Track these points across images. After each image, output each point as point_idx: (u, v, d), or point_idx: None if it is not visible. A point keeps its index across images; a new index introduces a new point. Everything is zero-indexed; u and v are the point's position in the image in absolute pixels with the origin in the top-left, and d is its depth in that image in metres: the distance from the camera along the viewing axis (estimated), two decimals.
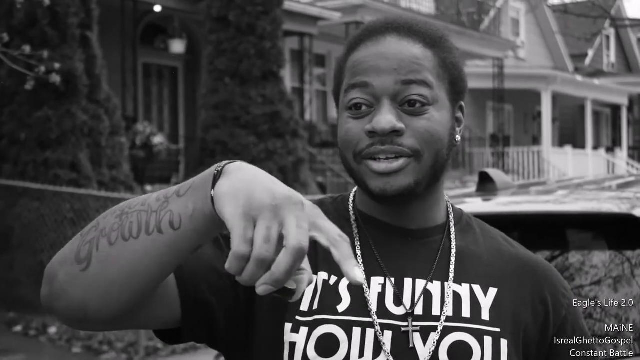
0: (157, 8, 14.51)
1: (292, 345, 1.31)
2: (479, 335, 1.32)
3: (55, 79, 5.94)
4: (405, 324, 1.32)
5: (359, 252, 1.37)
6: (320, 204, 1.44)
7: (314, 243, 1.31)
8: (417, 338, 1.32)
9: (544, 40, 27.92)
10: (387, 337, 1.31)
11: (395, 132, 1.30)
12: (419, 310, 1.33)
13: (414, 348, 1.31)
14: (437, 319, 1.33)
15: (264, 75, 12.88)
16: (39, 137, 9.52)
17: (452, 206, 1.46)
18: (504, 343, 1.33)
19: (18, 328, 9.01)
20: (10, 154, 9.69)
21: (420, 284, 1.35)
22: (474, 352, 1.31)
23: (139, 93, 14.89)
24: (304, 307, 1.33)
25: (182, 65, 16.39)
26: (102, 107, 10.13)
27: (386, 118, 1.30)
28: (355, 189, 1.46)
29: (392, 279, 1.35)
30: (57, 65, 6.16)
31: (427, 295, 1.35)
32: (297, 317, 1.32)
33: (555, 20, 26.87)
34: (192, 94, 16.17)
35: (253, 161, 11.58)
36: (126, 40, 13.68)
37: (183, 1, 14.29)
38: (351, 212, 1.43)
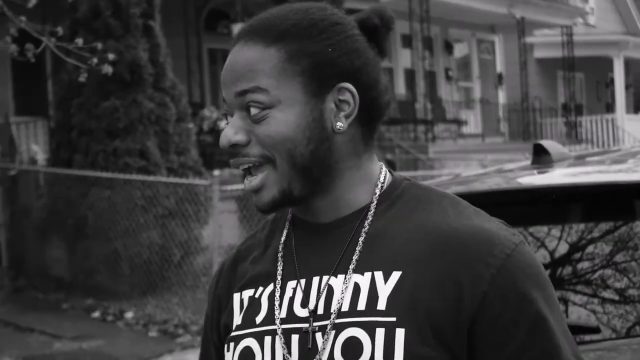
0: None
1: None
2: (370, 328, 1.24)
3: (108, 69, 6.02)
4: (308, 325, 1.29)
5: (280, 257, 1.37)
6: (282, 212, 1.45)
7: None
8: (319, 338, 1.27)
9: (614, 5, 27.22)
10: (294, 341, 1.29)
11: (236, 146, 1.29)
12: (320, 309, 1.29)
13: (314, 349, 1.27)
14: (336, 316, 1.27)
15: None
16: (107, 127, 9.70)
17: (392, 179, 1.37)
18: (400, 332, 1.23)
19: (96, 314, 9.24)
20: (80, 144, 9.89)
21: (327, 280, 1.30)
22: (364, 347, 1.24)
23: (205, 79, 15.04)
24: (233, 326, 1.37)
25: None
26: (168, 95, 10.25)
27: (225, 133, 1.30)
28: None
29: (303, 281, 1.32)
30: (111, 56, 6.24)
31: (329, 291, 1.29)
32: (228, 336, 1.37)
33: None
34: None
35: None
36: (189, 27, 13.80)
37: None
38: (289, 215, 1.41)
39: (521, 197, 2.64)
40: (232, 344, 1.35)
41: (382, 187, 1.35)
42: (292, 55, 1.28)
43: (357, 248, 1.30)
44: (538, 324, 1.24)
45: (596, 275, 2.40)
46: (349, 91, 1.30)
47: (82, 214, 9.65)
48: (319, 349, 1.27)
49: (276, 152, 1.28)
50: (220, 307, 1.42)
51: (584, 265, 2.45)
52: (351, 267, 1.29)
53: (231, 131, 1.29)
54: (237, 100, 1.29)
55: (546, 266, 2.46)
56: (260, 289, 1.36)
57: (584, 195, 2.58)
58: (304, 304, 1.30)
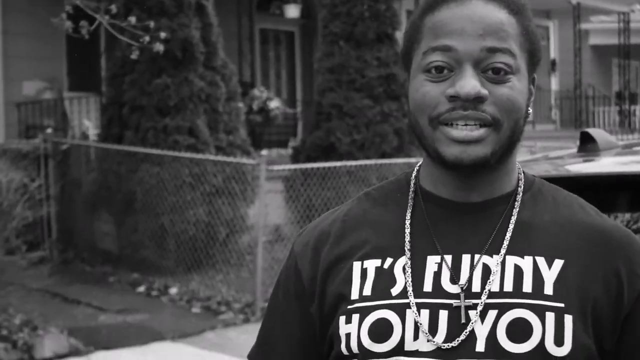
0: None
1: (347, 336, 1.30)
2: (540, 311, 1.25)
3: (159, 47, 6.07)
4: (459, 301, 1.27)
5: (408, 230, 1.34)
6: (379, 188, 1.43)
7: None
8: (473, 315, 1.26)
9: None
10: (442, 317, 1.27)
11: (479, 99, 1.26)
12: (476, 287, 1.28)
13: (468, 325, 1.25)
14: (496, 295, 1.27)
15: (378, 37, 12.80)
16: (158, 104, 9.78)
17: (524, 173, 1.40)
18: (568, 319, 1.25)
19: (141, 288, 9.36)
20: (131, 121, 10.00)
21: (479, 259, 1.29)
22: (534, 329, 1.25)
23: (256, 59, 15.09)
24: (354, 295, 1.32)
25: (298, 29, 16.49)
26: (219, 74, 10.30)
27: (471, 83, 1.25)
28: (418, 165, 1.41)
29: (449, 257, 1.30)
30: (162, 35, 6.28)
31: (485, 270, 1.29)
32: (348, 307, 1.31)
33: None
34: (309, 58, 16.25)
35: (369, 124, 11.59)
36: (242, 8, 13.85)
37: None
38: (411, 188, 1.38)
39: (567, 185, 2.61)
40: (356, 315, 1.30)
41: (522, 178, 1.39)
42: (526, 31, 1.32)
43: (507, 232, 1.31)
44: None
45: None
46: (534, 83, 1.37)
47: (131, 189, 9.77)
48: (475, 327, 1.26)
49: (507, 117, 1.29)
50: (329, 275, 1.35)
51: None
52: (503, 249, 1.30)
53: (477, 83, 1.26)
54: (482, 54, 1.27)
55: None
56: (389, 260, 1.32)
57: (630, 184, 2.55)
58: (454, 279, 1.29)
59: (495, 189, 1.35)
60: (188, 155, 9.50)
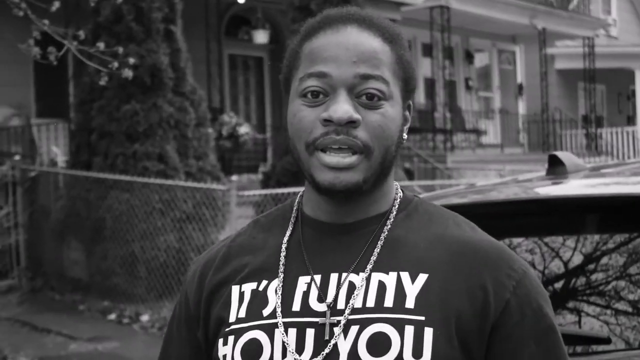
0: (241, 0, 14.66)
1: (224, 357, 1.34)
2: (399, 325, 1.28)
3: (128, 74, 6.05)
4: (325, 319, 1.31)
5: (283, 253, 1.38)
6: (268, 214, 1.48)
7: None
8: (337, 332, 1.29)
9: (636, 16, 27.09)
10: (309, 335, 1.30)
11: (352, 123, 1.29)
12: (341, 304, 1.31)
13: (332, 342, 1.28)
14: (358, 311, 1.30)
15: None
16: (127, 130, 9.75)
17: (404, 193, 1.43)
18: (428, 331, 1.27)
19: (112, 316, 9.28)
20: (100, 147, 9.95)
21: (346, 277, 1.33)
22: (393, 342, 1.27)
23: (225, 84, 15.09)
24: (232, 318, 1.36)
25: (267, 54, 16.54)
26: (188, 99, 10.30)
27: (343, 107, 1.28)
28: (302, 191, 1.45)
29: (318, 276, 1.34)
30: (131, 61, 6.28)
31: (351, 287, 1.32)
32: (225, 329, 1.36)
33: None
34: (278, 83, 16.20)
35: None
36: (211, 33, 13.87)
37: None
38: (293, 213, 1.43)
39: (536, 208, 2.64)
40: (231, 337, 1.34)
41: (399, 198, 1.42)
42: (400, 59, 1.36)
43: (376, 249, 1.34)
44: (549, 336, 1.33)
45: (609, 286, 2.40)
46: (409, 110, 1.40)
47: (101, 216, 9.70)
48: (338, 342, 1.28)
49: (378, 143, 1.32)
50: (212, 300, 1.41)
51: (598, 276, 2.45)
52: (369, 265, 1.33)
53: (350, 108, 1.29)
54: (355, 80, 1.31)
55: (560, 276, 2.47)
56: (265, 282, 1.36)
57: (598, 206, 2.58)
58: (321, 298, 1.32)
59: (370, 211, 1.38)
60: (158, 181, 9.47)
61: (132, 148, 9.75)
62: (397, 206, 1.40)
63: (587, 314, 2.37)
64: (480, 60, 21.87)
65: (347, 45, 1.32)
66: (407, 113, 1.39)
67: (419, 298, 1.29)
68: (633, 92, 23.95)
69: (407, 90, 1.38)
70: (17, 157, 11.20)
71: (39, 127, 12.51)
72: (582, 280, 2.48)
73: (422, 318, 1.28)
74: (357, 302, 1.30)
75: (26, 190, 10.78)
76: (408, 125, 1.40)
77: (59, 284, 10.31)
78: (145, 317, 9.14)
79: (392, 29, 1.37)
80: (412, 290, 1.30)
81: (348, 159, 1.30)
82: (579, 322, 2.34)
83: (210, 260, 1.45)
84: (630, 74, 22.74)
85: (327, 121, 1.30)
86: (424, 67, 19.45)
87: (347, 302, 1.31)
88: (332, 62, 1.31)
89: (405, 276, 1.31)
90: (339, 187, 1.31)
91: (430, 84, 18.83)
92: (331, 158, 1.30)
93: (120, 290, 9.56)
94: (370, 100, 1.31)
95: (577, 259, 2.48)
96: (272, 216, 1.47)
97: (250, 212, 10.42)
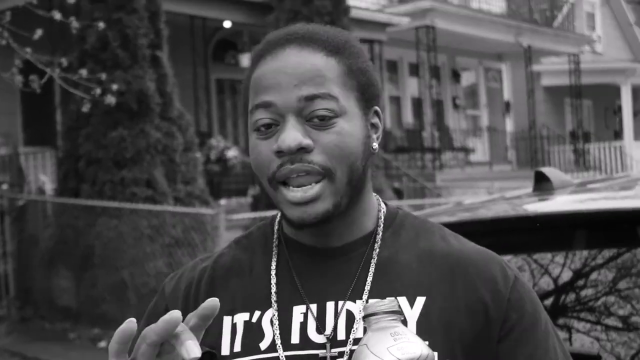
0: (227, 24, 14.70)
1: None
2: None
3: (111, 100, 6.05)
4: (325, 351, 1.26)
5: (273, 281, 1.32)
6: (249, 234, 1.42)
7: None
8: None
9: (621, 32, 27.29)
10: None
11: (303, 149, 1.24)
12: (341, 335, 1.27)
13: None
14: (359, 341, 1.23)
15: None
16: (114, 157, 9.73)
17: (387, 207, 1.39)
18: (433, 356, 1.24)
19: (102, 344, 9.21)
20: (88, 174, 9.92)
21: (342, 305, 1.29)
22: None
23: (212, 108, 15.10)
24: (225, 351, 1.30)
25: None
26: (175, 124, 10.30)
27: (290, 135, 1.23)
28: (279, 213, 1.39)
29: (314, 306, 1.29)
30: (114, 87, 6.28)
31: (349, 317, 1.28)
32: None
33: (632, 12, 26.24)
34: None
35: None
36: (197, 58, 13.89)
37: (251, 16, 14.43)
38: (275, 236, 1.38)
39: (524, 224, 2.63)
40: None
41: (382, 215, 1.37)
42: (349, 69, 1.29)
43: (369, 274, 1.30)
44: (548, 337, 1.31)
45: (599, 302, 2.38)
46: (378, 115, 1.34)
47: (89, 243, 9.66)
48: None
49: (338, 164, 1.26)
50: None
51: (588, 292, 2.44)
52: (365, 294, 1.28)
53: (298, 134, 1.24)
54: (301, 104, 1.25)
55: (549, 293, 2.45)
56: (257, 313, 1.31)
57: (586, 222, 2.57)
58: (319, 330, 1.28)
59: (354, 231, 1.33)
60: (146, 207, 9.44)
61: (119, 174, 9.73)
62: (382, 225, 1.35)
63: (578, 331, 2.35)
64: (467, 78, 21.97)
65: (285, 70, 1.26)
66: (375, 120, 1.33)
67: (420, 323, 1.26)
68: (619, 107, 24.09)
69: (366, 98, 1.31)
70: (4, 186, 11.15)
71: (27, 156, 12.47)
72: (571, 297, 2.47)
73: (426, 343, 1.23)
74: (359, 333, 1.26)
75: (14, 219, 10.74)
76: (379, 133, 1.34)
77: (48, 313, 10.24)
78: None
79: (338, 38, 1.31)
80: (412, 315, 1.27)
81: (310, 191, 1.25)
82: (570, 338, 2.32)
83: (195, 280, 1.37)
84: (616, 89, 22.88)
85: (279, 152, 1.25)
86: (411, 87, 19.52)
87: (347, 332, 1.27)
88: (273, 90, 1.26)
89: (403, 301, 1.27)
90: (309, 221, 1.25)
91: (417, 104, 18.89)
92: (294, 194, 1.25)
93: (110, 317, 9.49)
94: (322, 121, 1.25)
95: (567, 275, 2.47)
96: (253, 236, 1.41)
97: None
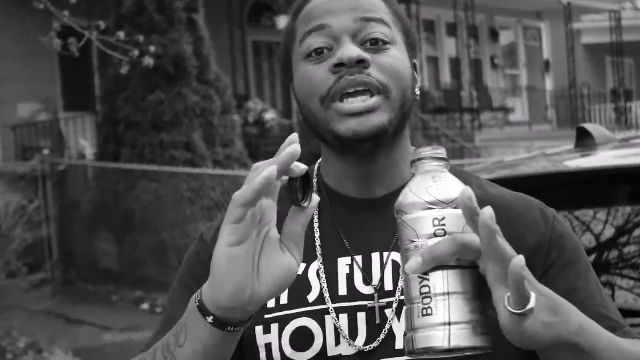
0: None
1: (268, 346, 1.27)
2: None
3: (149, 61, 6.04)
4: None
5: (317, 234, 1.30)
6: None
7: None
8: (390, 314, 1.24)
9: None
10: (361, 320, 1.25)
11: (362, 63, 1.23)
12: (389, 285, 1.26)
13: (385, 325, 1.24)
14: None
15: None
16: (153, 120, 9.79)
17: None
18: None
19: (145, 306, 9.33)
20: (127, 138, 10.00)
21: (388, 256, 1.28)
22: None
23: (249, 71, 15.10)
24: (270, 304, 1.27)
25: None
26: (213, 88, 10.31)
27: (351, 48, 1.23)
28: (318, 162, 1.38)
29: (359, 257, 1.28)
30: (152, 48, 6.27)
31: (396, 267, 1.26)
32: (266, 316, 1.27)
33: None
34: None
35: None
36: (233, 21, 13.87)
37: None
38: (315, 188, 1.35)
39: (566, 180, 2.60)
40: (275, 325, 1.27)
41: None
42: (396, 14, 1.31)
43: None
44: (589, 271, 1.31)
45: None
46: (416, 69, 1.33)
47: (130, 207, 9.75)
48: (392, 325, 1.24)
49: (394, 84, 1.25)
50: None
51: (631, 249, 2.41)
52: None
53: (358, 49, 1.24)
54: (357, 25, 1.26)
55: (592, 250, 2.42)
56: (303, 265, 1.27)
57: (630, 177, 2.53)
58: (367, 281, 1.27)
59: (395, 179, 1.31)
60: (186, 170, 9.49)
61: (158, 138, 9.79)
62: None
63: (621, 288, 2.33)
64: (505, 38, 21.69)
65: None
66: (415, 73, 1.32)
67: None
68: None
69: (410, 43, 1.32)
70: (46, 152, 11.28)
71: (67, 121, 12.59)
72: (614, 254, 2.44)
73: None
74: None
75: (56, 184, 10.87)
76: (418, 85, 1.32)
77: (91, 276, 10.39)
78: None
79: None
80: None
81: (368, 101, 1.23)
82: (613, 296, 2.29)
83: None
84: None
85: (337, 66, 1.23)
86: (448, 47, 19.33)
87: (395, 282, 1.26)
88: (329, 14, 1.26)
89: None
90: (364, 134, 1.23)
91: (455, 64, 18.71)
92: (350, 105, 1.23)
93: (151, 280, 9.61)
94: (376, 45, 1.25)
95: (609, 232, 2.43)
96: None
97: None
